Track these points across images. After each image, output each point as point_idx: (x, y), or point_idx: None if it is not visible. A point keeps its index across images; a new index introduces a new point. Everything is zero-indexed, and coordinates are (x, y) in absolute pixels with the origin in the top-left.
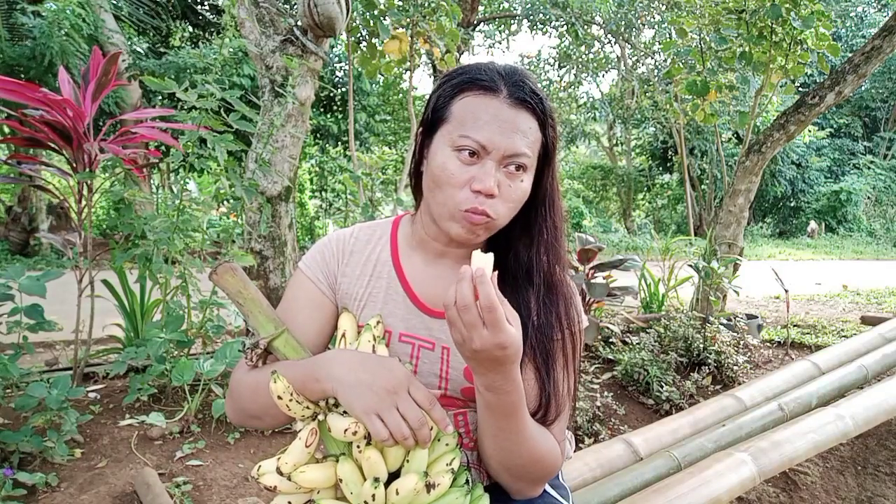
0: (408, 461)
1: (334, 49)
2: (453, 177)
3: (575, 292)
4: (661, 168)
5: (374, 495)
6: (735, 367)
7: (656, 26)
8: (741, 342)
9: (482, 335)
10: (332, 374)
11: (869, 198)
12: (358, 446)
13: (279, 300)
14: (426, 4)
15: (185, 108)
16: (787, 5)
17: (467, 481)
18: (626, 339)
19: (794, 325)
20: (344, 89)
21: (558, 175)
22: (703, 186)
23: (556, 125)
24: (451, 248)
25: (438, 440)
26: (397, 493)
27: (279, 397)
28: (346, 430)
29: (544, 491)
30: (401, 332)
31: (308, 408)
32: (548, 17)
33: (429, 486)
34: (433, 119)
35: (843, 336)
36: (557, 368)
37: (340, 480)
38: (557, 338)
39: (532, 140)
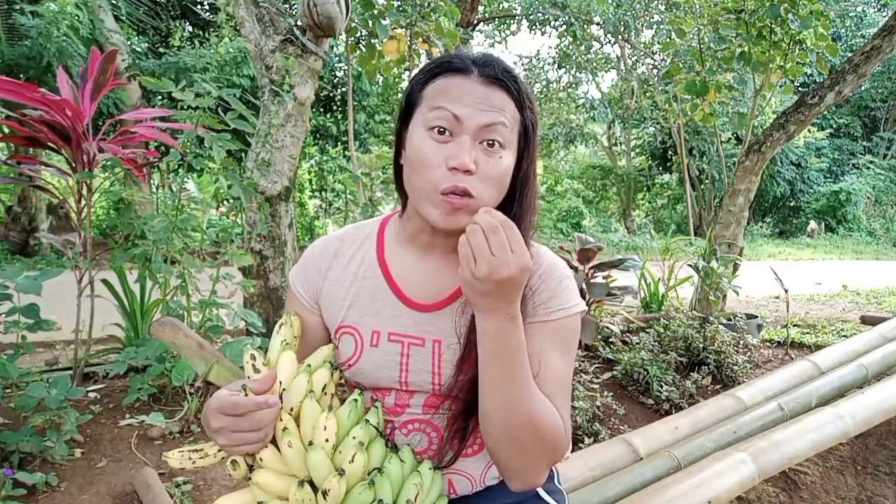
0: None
1: (334, 49)
2: (428, 157)
3: (562, 277)
4: (660, 168)
5: None
6: (735, 367)
7: (655, 26)
8: (741, 342)
9: (509, 259)
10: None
11: (869, 198)
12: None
13: (279, 300)
14: (425, 4)
15: (184, 107)
16: (786, 5)
17: None
18: (626, 339)
19: (794, 325)
20: (343, 89)
21: (536, 162)
22: (702, 186)
23: (536, 108)
24: (438, 238)
25: (348, 435)
26: None
27: (183, 468)
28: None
29: (539, 496)
30: (389, 331)
31: (221, 449)
32: (547, 16)
33: (323, 494)
34: (407, 107)
35: (843, 336)
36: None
37: None
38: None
39: (509, 116)
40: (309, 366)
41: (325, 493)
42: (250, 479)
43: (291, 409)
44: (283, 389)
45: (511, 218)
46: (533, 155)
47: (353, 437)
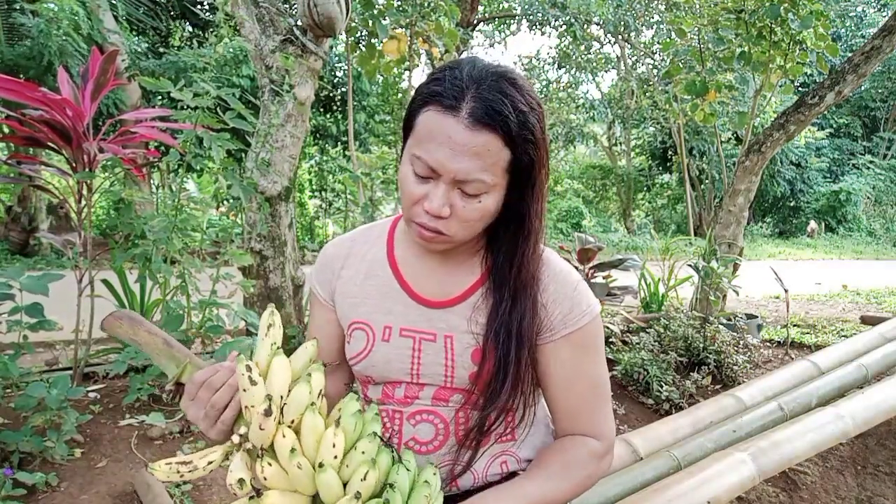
0: (318, 489)
1: (334, 49)
2: (408, 191)
3: (576, 283)
4: (660, 168)
5: None
6: (735, 367)
7: (655, 26)
8: (741, 342)
9: None
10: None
11: (868, 198)
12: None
13: (279, 300)
14: (425, 4)
15: (183, 107)
16: (786, 5)
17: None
18: (626, 339)
19: (794, 325)
20: (343, 89)
21: (542, 193)
22: (702, 186)
23: (539, 138)
24: None
25: (355, 448)
26: None
27: (168, 480)
28: (230, 487)
29: None
30: (401, 327)
31: (211, 462)
32: (546, 17)
33: None
34: (406, 123)
35: (843, 336)
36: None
37: None
38: (531, 333)
39: (491, 162)
40: (309, 375)
41: None
42: (252, 497)
43: (292, 422)
44: (285, 404)
45: (506, 244)
46: (537, 189)
47: (363, 452)
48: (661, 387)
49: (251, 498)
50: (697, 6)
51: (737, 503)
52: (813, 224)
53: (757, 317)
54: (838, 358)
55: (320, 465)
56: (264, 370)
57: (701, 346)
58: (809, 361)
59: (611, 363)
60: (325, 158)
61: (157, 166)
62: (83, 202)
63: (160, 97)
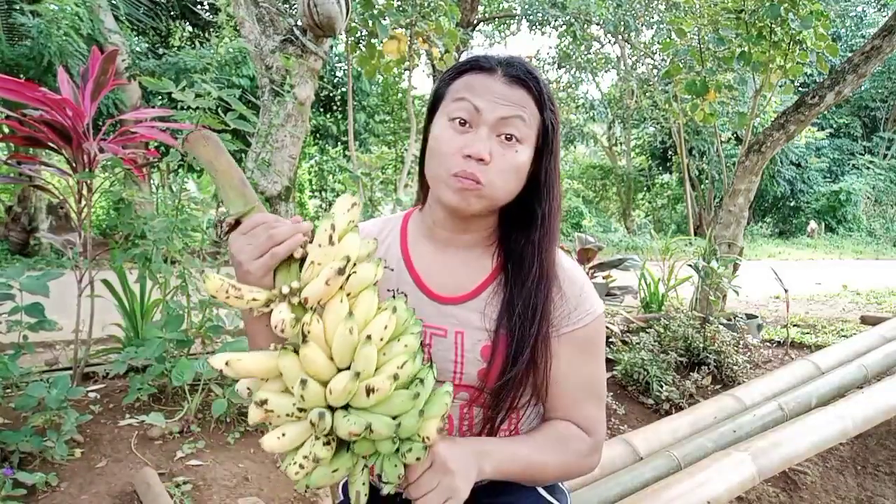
0: (354, 360)
1: (334, 49)
2: (446, 144)
3: (583, 284)
4: (660, 168)
5: (302, 396)
6: (735, 367)
7: (655, 26)
8: (741, 342)
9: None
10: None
11: (868, 198)
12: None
13: None
14: (425, 4)
15: (183, 107)
16: (786, 5)
17: (421, 381)
18: (626, 339)
19: (794, 325)
20: (343, 89)
21: (559, 162)
22: (702, 186)
23: (555, 113)
24: (455, 234)
25: (398, 340)
26: (331, 393)
27: (214, 295)
28: (275, 326)
29: (541, 496)
30: None
31: (255, 299)
32: (546, 17)
33: (368, 391)
34: (434, 101)
35: (843, 336)
36: (562, 357)
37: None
38: (545, 325)
39: (528, 112)
40: (381, 259)
41: (370, 390)
42: (283, 347)
43: (349, 294)
44: (354, 272)
45: (539, 218)
46: (556, 155)
47: (405, 346)
48: (661, 387)
49: (275, 348)
50: (697, 6)
51: (737, 503)
52: (813, 224)
53: (757, 317)
54: (838, 358)
55: (368, 338)
56: (339, 236)
57: (701, 346)
58: (809, 361)
59: (611, 363)
60: (325, 158)
61: (157, 166)
62: (83, 202)
63: (160, 97)
